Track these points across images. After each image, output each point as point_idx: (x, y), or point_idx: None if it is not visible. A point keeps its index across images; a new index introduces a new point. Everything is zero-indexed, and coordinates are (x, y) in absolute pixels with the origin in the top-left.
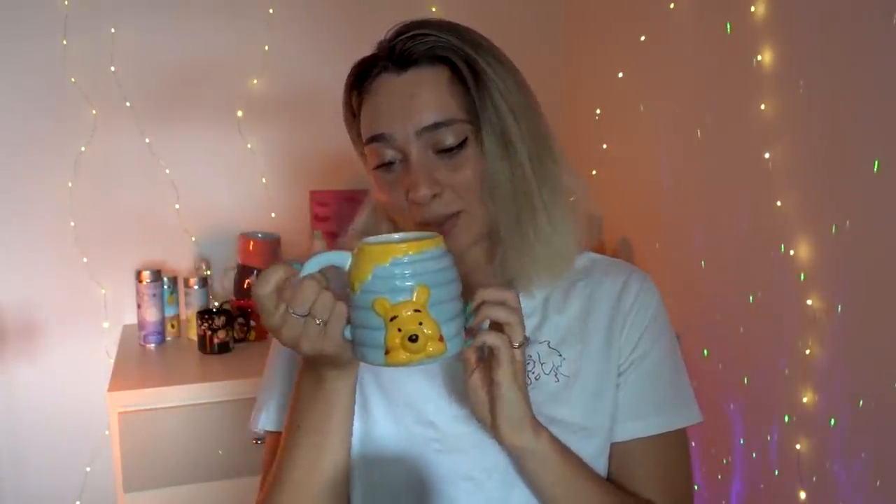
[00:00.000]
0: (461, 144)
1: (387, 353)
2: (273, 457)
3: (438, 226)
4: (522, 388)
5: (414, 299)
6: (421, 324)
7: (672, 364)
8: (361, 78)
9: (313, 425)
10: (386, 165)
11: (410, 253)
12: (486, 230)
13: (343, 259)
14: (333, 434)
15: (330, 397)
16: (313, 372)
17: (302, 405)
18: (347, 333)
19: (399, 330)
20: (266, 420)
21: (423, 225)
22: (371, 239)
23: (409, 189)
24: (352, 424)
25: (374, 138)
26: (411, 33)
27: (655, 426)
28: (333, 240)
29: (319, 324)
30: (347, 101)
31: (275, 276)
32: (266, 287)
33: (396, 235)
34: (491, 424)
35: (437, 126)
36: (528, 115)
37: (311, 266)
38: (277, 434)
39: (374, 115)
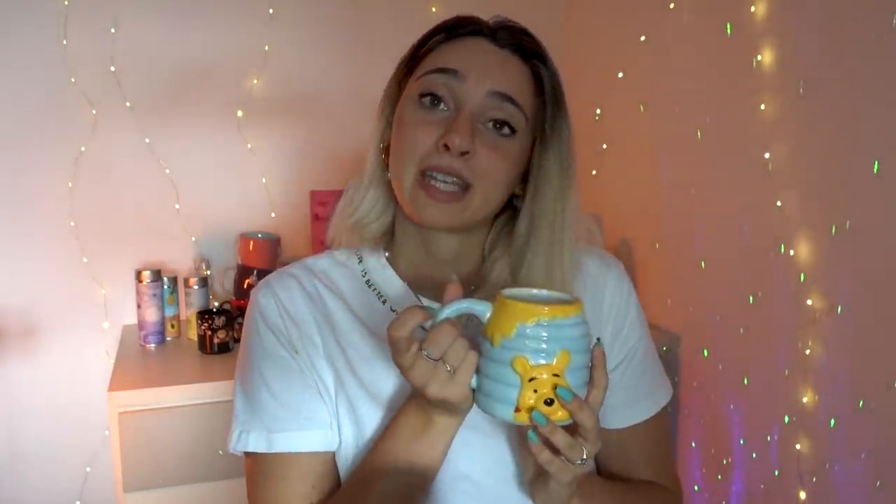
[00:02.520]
0: (512, 133)
1: (517, 410)
2: (262, 482)
3: (442, 191)
4: (573, 485)
5: (555, 364)
6: (556, 388)
7: (651, 346)
8: (453, 28)
9: (411, 465)
10: (432, 100)
11: (557, 317)
12: (475, 222)
13: (483, 309)
14: (425, 476)
15: (434, 441)
16: (423, 412)
17: (402, 442)
18: (474, 382)
19: (535, 391)
20: (256, 441)
21: (424, 177)
22: (510, 292)
23: (448, 133)
24: (440, 466)
25: (444, 70)
26: (517, 27)
27: (649, 409)
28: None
29: (450, 371)
30: (426, 37)
31: (412, 321)
32: (403, 330)
33: (535, 291)
34: (531, 494)
35: (508, 99)
36: (575, 146)
37: (449, 312)
38: (264, 456)
39: (457, 56)
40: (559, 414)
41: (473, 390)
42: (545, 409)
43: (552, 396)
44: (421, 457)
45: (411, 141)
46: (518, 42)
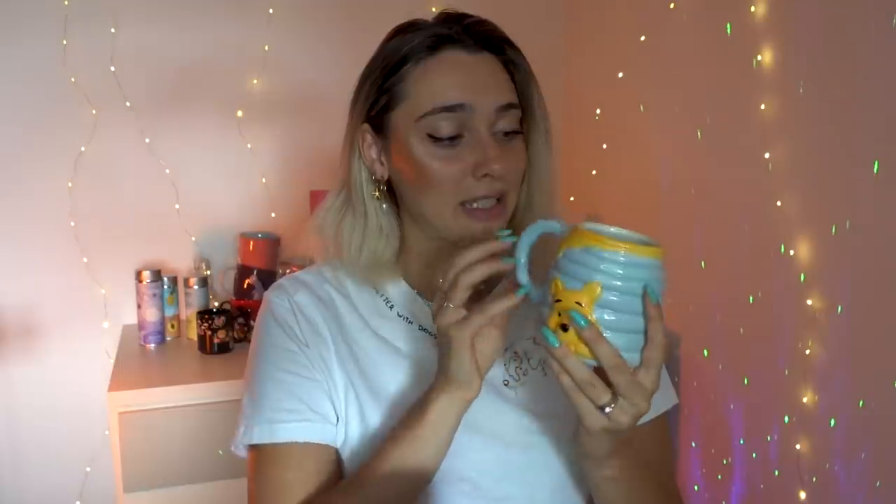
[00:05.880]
0: (517, 131)
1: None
2: (265, 473)
3: (486, 209)
4: (603, 439)
5: (581, 291)
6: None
7: None
8: (415, 51)
9: (407, 441)
10: (446, 139)
11: (595, 246)
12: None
13: (555, 226)
14: (423, 456)
15: (429, 417)
16: (428, 391)
17: (404, 418)
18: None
19: (559, 315)
20: (260, 433)
21: (465, 205)
22: (594, 225)
23: (484, 162)
24: (443, 455)
25: (449, 108)
26: (474, 20)
27: (650, 413)
28: None
29: (449, 307)
30: (388, 71)
31: (481, 252)
32: (466, 259)
33: (627, 232)
34: (572, 436)
35: (512, 107)
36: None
37: (529, 235)
38: (267, 448)
39: (448, 86)
40: (581, 348)
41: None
42: (562, 334)
43: (569, 325)
44: (416, 444)
45: (441, 177)
46: (484, 37)
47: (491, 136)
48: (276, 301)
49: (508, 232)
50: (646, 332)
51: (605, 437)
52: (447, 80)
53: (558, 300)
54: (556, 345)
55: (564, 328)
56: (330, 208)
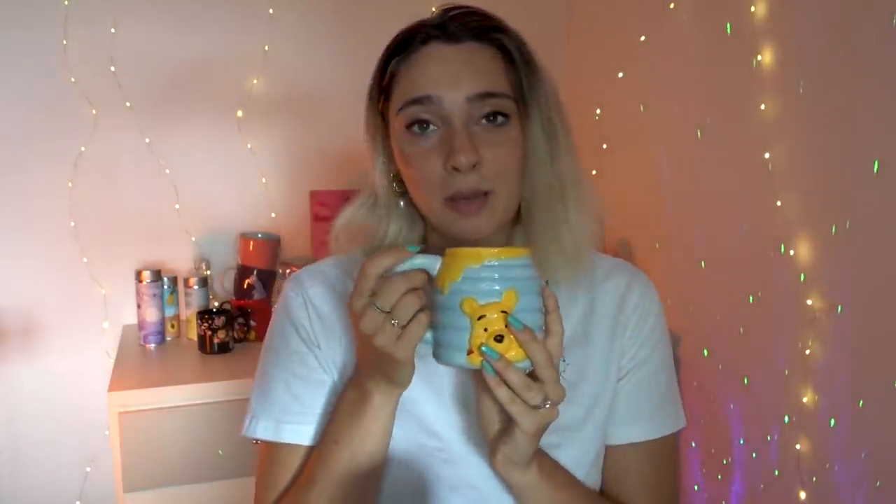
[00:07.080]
0: (505, 120)
1: (469, 352)
2: (267, 468)
3: (468, 201)
4: (537, 438)
5: (503, 301)
6: (507, 326)
7: (668, 370)
8: (403, 46)
9: (353, 441)
10: (420, 126)
11: (502, 258)
12: (508, 218)
13: (433, 262)
14: (370, 450)
15: (371, 414)
16: (359, 386)
17: (342, 420)
18: (430, 338)
19: (485, 329)
20: (265, 429)
21: (451, 200)
22: (460, 248)
23: (451, 155)
24: (388, 441)
25: (417, 101)
26: (463, 10)
27: (650, 431)
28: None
29: (395, 325)
30: (383, 68)
31: (387, 260)
32: (376, 268)
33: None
34: (489, 450)
35: (488, 96)
36: (563, 109)
37: (401, 269)
38: (272, 444)
39: (421, 79)
40: (512, 353)
41: (431, 345)
42: (496, 345)
43: (503, 332)
44: (362, 434)
45: (422, 174)
46: (469, 27)
47: (463, 127)
48: (291, 296)
49: (418, 249)
50: (545, 326)
51: (536, 438)
52: (420, 73)
53: (481, 316)
54: (498, 357)
55: (499, 339)
56: (360, 206)
